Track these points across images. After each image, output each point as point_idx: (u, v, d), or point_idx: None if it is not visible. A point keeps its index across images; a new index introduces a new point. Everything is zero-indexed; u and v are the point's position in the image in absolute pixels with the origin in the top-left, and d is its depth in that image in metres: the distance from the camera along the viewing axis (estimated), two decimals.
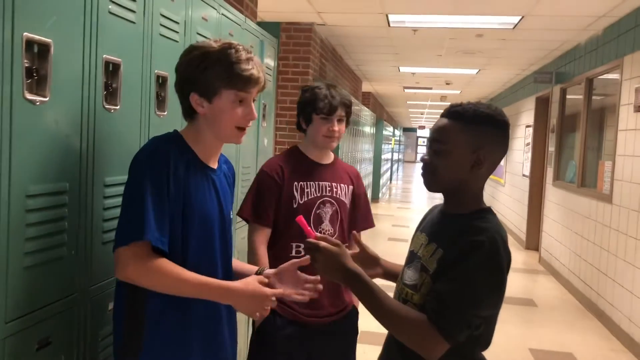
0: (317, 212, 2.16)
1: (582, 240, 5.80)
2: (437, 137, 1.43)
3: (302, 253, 2.07)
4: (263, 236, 2.11)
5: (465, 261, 1.31)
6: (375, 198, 13.21)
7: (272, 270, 1.71)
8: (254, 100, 1.59)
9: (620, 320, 4.62)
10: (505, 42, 6.49)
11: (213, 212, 1.57)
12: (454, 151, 1.41)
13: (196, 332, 1.53)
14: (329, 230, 2.17)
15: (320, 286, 1.65)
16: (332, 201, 2.20)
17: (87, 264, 1.55)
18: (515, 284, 6.44)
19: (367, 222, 2.34)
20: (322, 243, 1.40)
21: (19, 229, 1.29)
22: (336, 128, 2.16)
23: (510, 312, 5.23)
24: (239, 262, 1.80)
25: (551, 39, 6.28)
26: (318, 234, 1.47)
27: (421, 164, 1.49)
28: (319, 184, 2.18)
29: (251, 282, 1.52)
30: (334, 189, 2.21)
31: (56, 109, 1.39)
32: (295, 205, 2.13)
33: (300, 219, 1.52)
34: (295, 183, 2.14)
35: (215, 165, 1.63)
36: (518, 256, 7.93)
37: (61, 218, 1.43)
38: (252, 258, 2.11)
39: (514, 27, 5.69)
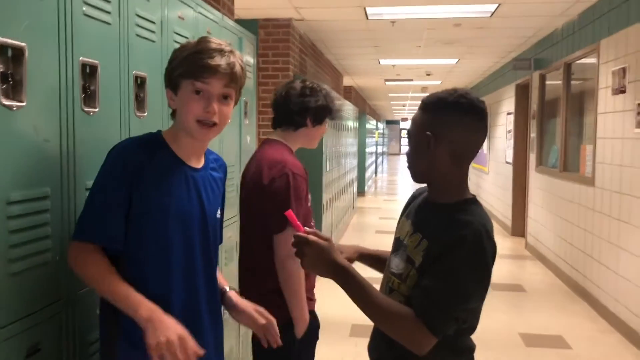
0: (308, 205, 2.20)
1: (567, 224, 5.87)
2: (408, 128, 1.51)
3: None
4: None
5: (450, 256, 1.32)
6: (361, 191, 13.24)
7: (237, 299, 1.69)
8: (226, 98, 1.51)
9: (607, 301, 4.68)
10: (483, 30, 6.53)
11: (192, 214, 1.53)
12: (415, 136, 1.46)
13: None
14: (312, 223, 2.21)
15: (279, 342, 1.69)
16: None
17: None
18: (503, 270, 6.50)
19: None
20: (312, 237, 1.39)
21: (2, 236, 1.27)
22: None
23: (499, 298, 5.28)
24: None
25: (528, 25, 6.33)
26: (307, 229, 1.45)
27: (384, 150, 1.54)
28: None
29: (162, 318, 1.36)
30: None
31: (34, 114, 1.37)
32: (309, 203, 2.16)
33: (290, 213, 1.49)
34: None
35: (199, 164, 1.59)
36: (504, 243, 8.00)
37: (44, 224, 1.41)
38: (297, 267, 1.91)
39: (491, 15, 5.73)
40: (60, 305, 1.49)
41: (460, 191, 1.46)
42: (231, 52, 1.51)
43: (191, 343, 1.35)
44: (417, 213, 1.52)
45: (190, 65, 1.46)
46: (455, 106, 1.42)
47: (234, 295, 1.71)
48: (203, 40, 1.51)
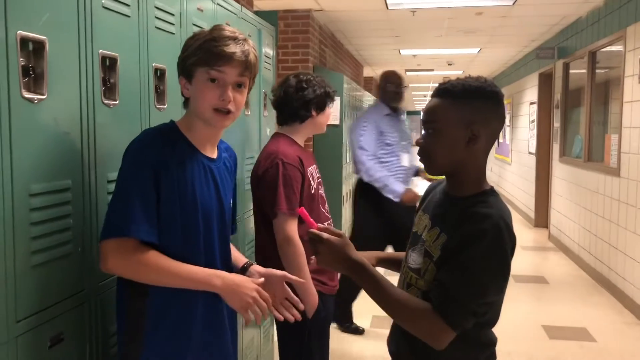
0: (320, 193, 2.32)
1: (591, 215, 5.78)
2: (429, 118, 1.40)
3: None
4: (296, 227, 2.13)
5: (469, 250, 1.29)
6: None
7: (260, 269, 1.72)
8: (240, 86, 1.51)
9: (633, 293, 4.61)
10: (506, 19, 6.43)
11: (211, 204, 1.54)
12: (446, 130, 1.37)
13: (197, 328, 1.52)
14: (328, 209, 2.35)
15: (297, 315, 1.70)
16: (321, 181, 2.38)
17: (95, 260, 1.55)
18: (525, 261, 6.43)
19: None
20: (325, 235, 1.37)
21: (24, 228, 1.29)
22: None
23: (521, 290, 5.23)
24: (233, 250, 1.77)
25: (552, 13, 6.21)
26: (320, 225, 1.45)
27: (417, 149, 1.46)
28: (315, 167, 2.35)
29: (240, 276, 1.54)
30: (318, 171, 2.40)
31: (55, 107, 1.38)
32: (312, 191, 2.23)
33: (302, 210, 1.51)
34: (308, 169, 2.25)
35: (214, 154, 1.60)
36: (527, 234, 7.91)
37: (66, 215, 1.43)
38: (294, 251, 2.11)
39: (513, 3, 5.63)
40: (82, 296, 1.50)
41: (480, 183, 1.43)
42: (245, 40, 1.51)
43: (264, 293, 1.52)
44: (435, 207, 1.48)
45: (205, 53, 1.45)
46: (492, 96, 1.39)
47: (255, 267, 1.73)
48: (217, 28, 1.50)
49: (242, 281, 1.51)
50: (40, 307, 1.35)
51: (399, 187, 3.84)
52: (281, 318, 1.69)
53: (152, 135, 1.49)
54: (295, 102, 2.29)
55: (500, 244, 1.31)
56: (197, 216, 1.50)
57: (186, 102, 1.56)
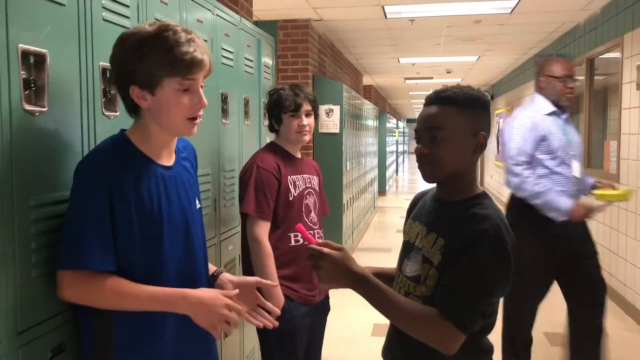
0: (306, 202, 2.33)
1: (591, 221, 5.76)
2: (434, 125, 1.39)
3: (301, 242, 2.24)
4: (265, 230, 2.22)
5: (472, 251, 1.30)
6: (382, 191, 13.19)
7: (231, 277, 1.66)
8: (202, 86, 1.43)
9: (635, 300, 4.60)
10: (504, 26, 6.46)
11: (174, 216, 1.47)
12: (455, 137, 1.38)
13: (170, 343, 1.46)
14: (314, 219, 2.36)
15: (276, 323, 1.67)
16: (312, 192, 2.39)
17: None
18: None
19: (326, 209, 2.54)
20: (326, 250, 1.35)
21: (26, 240, 1.30)
22: (305, 122, 2.33)
23: None
24: None
25: (550, 20, 6.25)
26: (320, 240, 1.43)
27: (416, 156, 1.46)
28: (303, 177, 2.36)
29: (209, 290, 1.45)
30: (312, 181, 2.41)
31: (56, 119, 1.40)
32: (291, 198, 2.27)
33: (300, 227, 1.48)
34: (289, 177, 2.30)
35: (170, 161, 1.51)
36: None
37: None
38: (258, 250, 2.20)
39: (511, 12, 5.66)
40: (84, 306, 1.50)
41: (473, 187, 1.44)
42: (196, 36, 1.41)
43: (235, 306, 1.42)
44: (428, 214, 1.49)
45: (174, 62, 1.35)
46: (488, 105, 1.43)
47: (226, 275, 1.67)
48: (169, 30, 1.36)
49: (209, 298, 1.40)
50: (42, 318, 1.35)
51: (565, 203, 2.89)
52: (260, 325, 1.64)
53: (105, 155, 1.38)
54: (267, 113, 2.41)
55: (501, 242, 1.32)
56: (161, 231, 1.42)
57: (133, 110, 1.44)
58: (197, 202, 1.60)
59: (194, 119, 1.43)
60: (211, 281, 1.65)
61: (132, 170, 1.39)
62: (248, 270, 2.27)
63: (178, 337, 1.48)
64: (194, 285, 1.47)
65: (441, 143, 1.39)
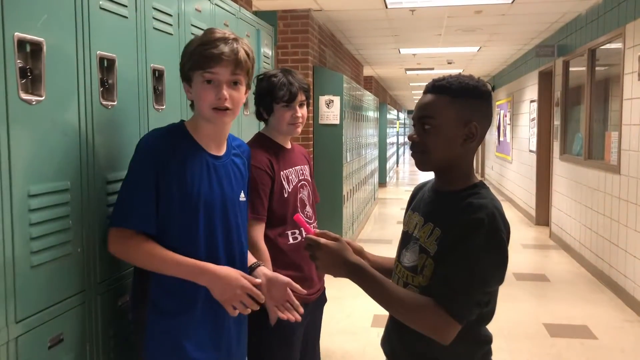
0: (300, 196, 2.22)
1: (592, 212, 5.77)
2: (425, 114, 1.40)
3: (299, 239, 2.14)
4: (260, 231, 2.09)
5: (467, 241, 1.30)
6: (382, 182, 13.19)
7: (266, 271, 1.79)
8: (236, 83, 1.58)
9: (634, 290, 4.60)
10: (505, 17, 6.42)
11: (213, 199, 1.61)
12: (444, 127, 1.38)
13: (199, 301, 1.60)
14: (309, 212, 2.26)
15: (299, 317, 1.76)
16: (305, 183, 2.27)
17: (94, 260, 1.56)
18: (527, 260, 6.43)
19: (316, 196, 2.42)
20: (323, 240, 1.39)
21: (24, 229, 1.30)
22: (299, 114, 2.16)
23: (523, 288, 5.22)
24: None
25: (551, 11, 6.21)
26: (317, 230, 1.46)
27: (409, 144, 1.46)
28: (295, 169, 2.22)
29: (230, 269, 1.58)
30: (304, 172, 2.28)
31: (53, 108, 1.39)
32: (286, 195, 2.15)
33: (298, 217, 1.52)
34: (282, 173, 2.16)
35: (220, 152, 1.67)
36: (528, 232, 7.91)
37: (65, 216, 1.44)
38: (254, 253, 2.07)
39: (512, 1, 5.63)
40: (82, 296, 1.51)
41: (470, 177, 1.44)
42: (235, 39, 1.58)
43: (252, 289, 1.57)
44: (426, 204, 1.49)
45: (197, 57, 1.54)
46: (486, 96, 1.41)
47: (262, 269, 1.79)
48: (208, 32, 1.59)
49: (228, 275, 1.56)
50: (40, 308, 1.35)
51: None
52: (283, 317, 1.76)
53: (158, 136, 1.58)
54: (256, 100, 2.21)
55: (496, 231, 1.32)
56: (198, 211, 1.57)
57: (192, 105, 1.65)
58: (243, 194, 1.75)
59: (220, 109, 1.56)
60: (248, 272, 1.73)
61: (179, 152, 1.56)
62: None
63: (207, 299, 1.59)
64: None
65: (430, 132, 1.39)
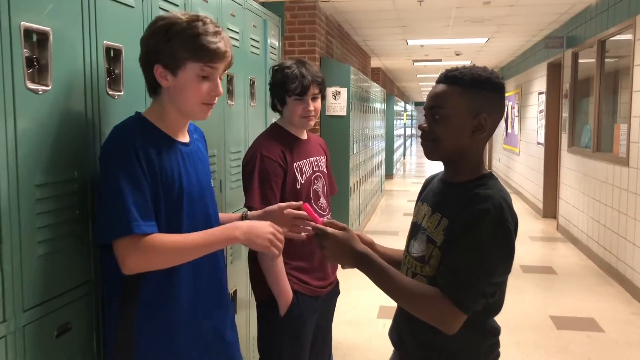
0: (314, 188, 2.20)
1: (599, 205, 5.74)
2: (436, 104, 1.40)
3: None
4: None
5: (473, 231, 1.30)
6: (390, 174, 13.17)
7: (256, 213, 1.84)
8: (220, 78, 1.54)
9: None
10: (514, 8, 6.37)
11: (192, 189, 1.55)
12: (454, 117, 1.38)
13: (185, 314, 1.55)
14: (324, 204, 2.24)
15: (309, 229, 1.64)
16: (320, 175, 2.25)
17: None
18: (534, 252, 6.41)
19: (334, 188, 2.40)
20: (330, 229, 1.40)
21: (31, 219, 1.30)
22: (311, 107, 2.14)
23: (530, 281, 5.21)
24: (223, 215, 1.85)
25: (560, 2, 6.15)
26: (325, 219, 1.47)
27: (419, 133, 1.46)
28: (309, 161, 2.21)
29: (252, 221, 1.61)
30: (319, 163, 2.26)
31: (59, 98, 1.39)
32: (299, 186, 2.14)
33: (306, 206, 1.53)
34: (295, 164, 2.15)
35: (186, 139, 1.60)
36: (536, 225, 7.88)
37: (71, 206, 1.44)
38: None
39: None
40: (89, 285, 1.52)
41: (479, 168, 1.44)
42: (222, 31, 1.52)
43: (277, 227, 1.57)
44: (434, 195, 1.49)
45: (200, 49, 1.45)
46: (499, 88, 1.41)
47: (252, 214, 1.86)
48: (200, 20, 1.48)
49: (255, 224, 1.56)
50: (47, 297, 1.36)
51: None
52: (303, 237, 1.80)
53: (127, 132, 1.45)
54: (270, 91, 2.22)
55: (503, 222, 1.31)
56: (181, 203, 1.51)
57: (154, 89, 1.53)
58: (210, 178, 1.70)
59: (209, 104, 1.53)
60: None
61: (154, 145, 1.47)
62: (254, 263, 2.15)
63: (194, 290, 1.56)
64: (211, 255, 1.56)
65: (439, 122, 1.40)
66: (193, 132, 1.67)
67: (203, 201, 1.60)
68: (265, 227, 1.54)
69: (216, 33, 1.48)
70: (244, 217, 1.84)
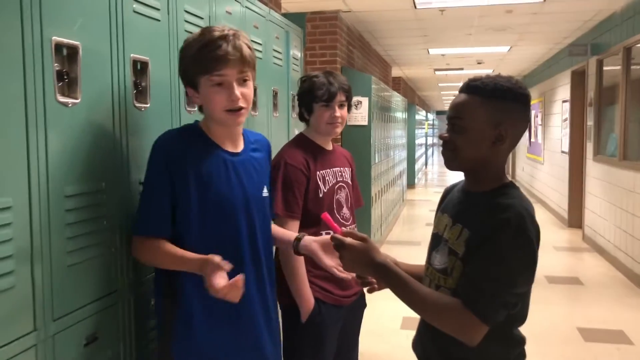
0: (337, 197, 2.22)
1: (627, 214, 5.64)
2: (456, 114, 1.39)
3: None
4: (294, 229, 2.10)
5: (494, 241, 1.28)
6: (411, 184, 13.10)
7: (314, 238, 1.80)
8: (245, 80, 1.54)
9: None
10: (537, 16, 6.32)
11: (233, 196, 1.57)
12: (474, 127, 1.36)
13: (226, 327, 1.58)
14: (347, 214, 2.25)
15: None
16: (344, 185, 2.26)
17: (128, 260, 1.58)
18: (560, 263, 6.31)
19: (359, 201, 2.40)
20: (348, 239, 1.39)
21: (60, 229, 1.32)
22: (338, 114, 2.17)
23: (556, 292, 5.13)
24: (278, 229, 1.89)
25: (584, 9, 6.09)
26: (344, 229, 1.46)
27: (441, 142, 1.45)
28: (333, 171, 2.23)
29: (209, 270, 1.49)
30: (343, 174, 2.28)
31: (88, 110, 1.42)
32: (321, 195, 2.15)
33: (326, 215, 1.53)
34: (319, 173, 2.17)
35: (236, 148, 1.63)
36: (561, 235, 7.76)
37: (100, 217, 1.46)
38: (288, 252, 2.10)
39: (544, 0, 5.54)
40: (117, 295, 1.54)
41: (500, 177, 1.42)
42: (235, 35, 1.52)
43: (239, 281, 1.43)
44: (455, 205, 1.48)
45: (201, 61, 1.49)
46: (521, 98, 1.38)
47: (309, 238, 1.80)
48: (206, 32, 1.52)
49: (213, 281, 1.42)
50: (76, 306, 1.38)
51: None
52: (348, 277, 1.73)
53: (170, 137, 1.56)
54: (298, 101, 2.27)
55: (524, 231, 1.29)
56: (218, 210, 1.55)
57: (201, 108, 1.62)
58: (265, 189, 1.72)
59: (234, 110, 1.53)
60: (294, 245, 1.81)
61: (194, 151, 1.54)
62: (277, 269, 2.10)
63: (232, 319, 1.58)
64: (240, 266, 1.54)
65: (459, 132, 1.39)
66: (252, 142, 1.71)
67: (248, 211, 1.61)
68: (219, 285, 1.40)
69: (220, 39, 1.48)
70: (298, 239, 1.81)
